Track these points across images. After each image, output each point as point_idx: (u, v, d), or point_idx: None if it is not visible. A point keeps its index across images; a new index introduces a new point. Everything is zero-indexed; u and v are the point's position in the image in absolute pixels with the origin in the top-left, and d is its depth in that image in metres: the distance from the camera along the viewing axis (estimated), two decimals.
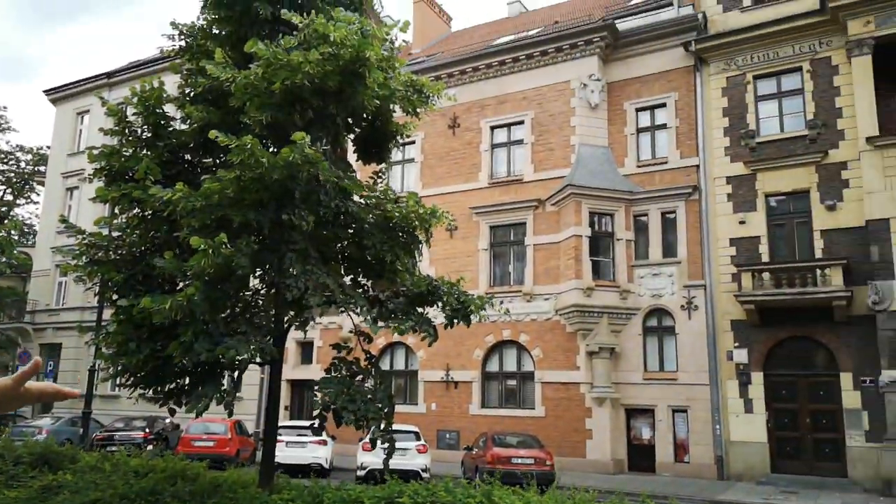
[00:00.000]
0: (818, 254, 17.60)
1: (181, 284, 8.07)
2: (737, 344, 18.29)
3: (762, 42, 19.24)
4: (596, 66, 21.34)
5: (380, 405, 8.43)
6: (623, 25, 21.51)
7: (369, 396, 8.31)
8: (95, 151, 8.68)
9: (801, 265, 17.33)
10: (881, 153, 16.68)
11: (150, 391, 8.72)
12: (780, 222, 18.61)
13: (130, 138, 8.98)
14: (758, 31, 19.19)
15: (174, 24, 9.42)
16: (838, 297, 16.55)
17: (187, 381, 8.60)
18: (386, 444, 8.46)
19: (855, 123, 17.42)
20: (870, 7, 17.25)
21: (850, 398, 16.81)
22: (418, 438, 17.06)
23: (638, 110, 21.12)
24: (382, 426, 8.45)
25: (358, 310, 8.28)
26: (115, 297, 8.51)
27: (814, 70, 18.60)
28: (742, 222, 18.76)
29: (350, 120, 9.07)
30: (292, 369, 24.29)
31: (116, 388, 25.95)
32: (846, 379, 16.91)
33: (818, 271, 16.96)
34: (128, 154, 8.76)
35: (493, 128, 23.02)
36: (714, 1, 20.41)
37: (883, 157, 16.65)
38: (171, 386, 8.63)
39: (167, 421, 21.32)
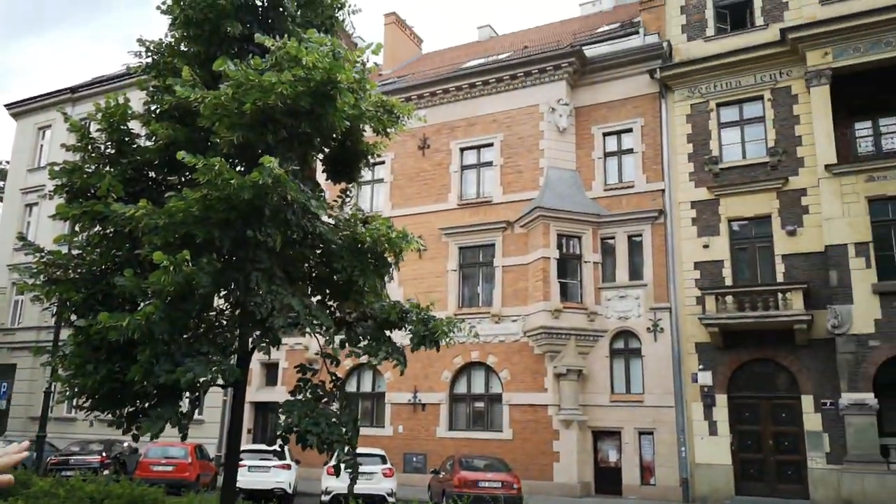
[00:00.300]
0: (779, 278, 17.96)
1: (142, 304, 7.87)
2: (701, 366, 18.50)
3: (725, 71, 19.74)
4: (564, 90, 21.65)
5: (344, 429, 8.30)
6: (590, 52, 21.90)
7: (334, 419, 8.17)
8: (57, 167, 8.49)
9: (763, 289, 17.66)
10: (839, 180, 17.16)
11: (108, 414, 8.46)
12: (743, 246, 18.98)
13: (93, 155, 8.80)
14: (720, 60, 19.70)
15: (141, 41, 9.32)
16: (799, 320, 16.88)
17: (146, 404, 8.36)
18: (350, 469, 8.32)
19: (814, 151, 17.91)
20: (827, 39, 17.84)
21: (811, 421, 17.08)
22: (384, 462, 16.83)
23: (605, 135, 21.45)
24: (347, 450, 8.31)
25: (323, 332, 8.17)
26: (73, 317, 8.28)
27: (774, 99, 19.13)
28: (706, 246, 19.08)
29: (320, 139, 9.03)
30: (256, 391, 23.86)
31: (73, 411, 25.21)
32: (807, 401, 17.20)
33: (779, 295, 17.30)
34: (90, 171, 8.58)
35: (462, 149, 23.15)
36: (678, 30, 20.92)
37: (841, 185, 17.12)
38: (130, 409, 8.37)
39: (125, 445, 20.72)
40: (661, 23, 21.48)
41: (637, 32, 21.88)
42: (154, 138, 8.69)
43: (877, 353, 16.04)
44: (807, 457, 17.00)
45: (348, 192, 10.00)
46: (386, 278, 9.23)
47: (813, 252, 17.64)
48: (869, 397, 15.90)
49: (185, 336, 7.82)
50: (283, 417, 8.07)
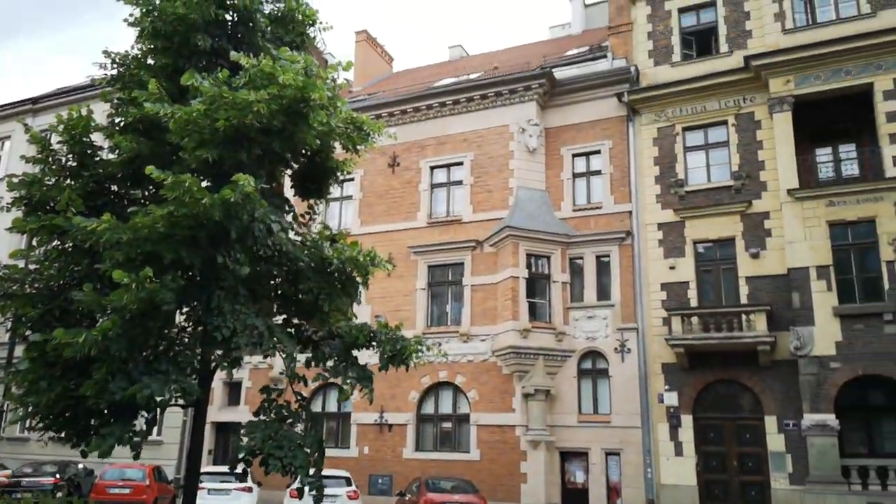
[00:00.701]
0: (743, 299, 18.23)
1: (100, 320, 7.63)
2: (667, 387, 18.63)
3: (690, 96, 20.13)
4: (534, 111, 21.85)
5: (308, 451, 8.14)
6: (560, 74, 22.17)
7: (298, 442, 8.00)
8: (15, 179, 8.26)
9: (728, 310, 17.89)
10: (801, 205, 17.54)
11: (62, 433, 8.17)
12: (708, 268, 19.24)
13: (54, 167, 8.59)
14: (686, 85, 20.08)
15: (107, 53, 9.16)
16: (762, 341, 17.12)
17: (99, 421, 8.09)
18: (315, 491, 8.15)
19: (776, 176, 18.30)
20: (790, 67, 18.32)
21: (775, 441, 17.28)
22: (349, 484, 16.57)
23: (574, 156, 21.66)
24: (311, 473, 8.13)
25: (285, 354, 8.03)
26: (28, 332, 8.01)
27: (738, 124, 19.54)
28: (672, 267, 19.30)
29: (290, 156, 8.94)
30: (218, 411, 23.33)
31: (25, 431, 24.37)
32: (770, 422, 17.40)
33: (743, 317, 17.54)
34: (50, 183, 8.37)
35: (432, 168, 23.16)
36: (646, 55, 21.31)
37: (802, 209, 17.50)
38: (82, 427, 8.10)
39: (80, 466, 20.06)
40: (629, 47, 21.86)
41: (605, 56, 22.23)
42: (117, 151, 8.51)
43: (838, 375, 16.32)
44: (770, 477, 17.16)
45: (315, 209, 9.90)
46: (355, 299, 9.12)
47: (776, 274, 17.95)
48: (830, 418, 16.14)
49: (143, 353, 7.60)
50: (245, 440, 7.88)
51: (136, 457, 7.82)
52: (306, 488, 8.20)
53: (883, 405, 17.41)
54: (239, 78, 7.58)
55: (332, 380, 9.06)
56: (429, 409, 21.43)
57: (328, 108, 8.12)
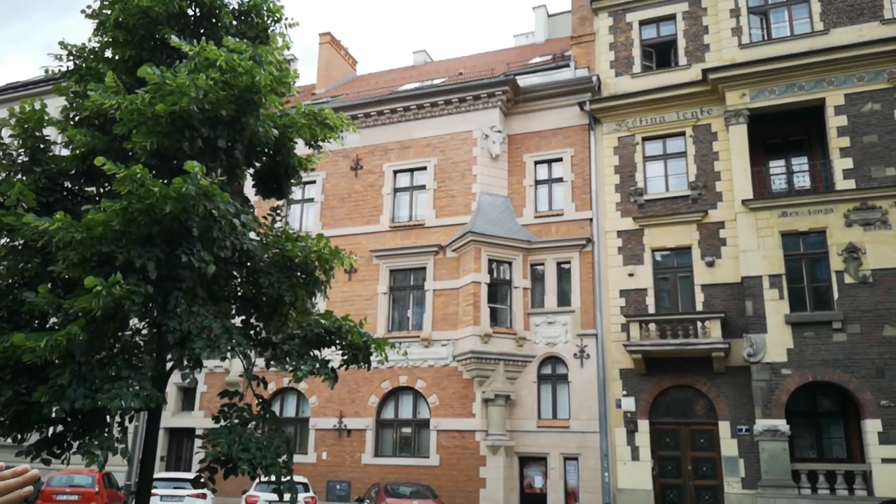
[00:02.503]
0: (699, 307, 18.60)
1: (52, 321, 7.38)
2: (625, 392, 18.87)
3: (650, 107, 20.51)
4: (498, 118, 21.99)
5: (277, 451, 8.03)
6: (523, 82, 22.36)
7: (265, 443, 7.87)
8: None
9: (684, 317, 18.23)
10: (755, 215, 18.00)
11: (10, 440, 7.84)
12: (665, 276, 19.59)
13: (4, 162, 8.28)
14: (646, 96, 20.46)
15: (63, 44, 8.88)
16: (717, 348, 17.49)
17: (59, 429, 7.81)
18: (289, 492, 8.05)
19: (732, 186, 18.75)
20: (745, 81, 18.82)
21: (728, 446, 17.64)
22: (307, 490, 16.34)
23: (536, 163, 21.85)
24: (285, 475, 8.03)
25: (242, 355, 7.87)
26: None
27: (696, 135, 19.98)
28: (631, 275, 19.59)
29: (246, 152, 8.78)
30: (172, 416, 22.79)
31: None
32: (724, 427, 17.77)
33: (699, 323, 17.90)
34: (0, 178, 8.05)
35: (395, 172, 23.10)
36: (607, 66, 21.65)
37: (756, 219, 17.96)
38: (40, 435, 7.81)
39: None
40: (591, 58, 22.18)
41: (568, 65, 22.50)
42: (71, 146, 8.24)
43: (789, 381, 16.76)
44: (723, 482, 17.52)
45: (279, 211, 9.75)
46: (316, 297, 9.01)
47: (730, 283, 18.37)
48: (781, 423, 16.56)
49: (97, 357, 7.36)
50: (210, 447, 7.68)
51: (102, 467, 7.58)
52: (285, 496, 8.10)
53: (831, 411, 17.97)
54: (184, 66, 7.43)
55: (288, 381, 8.91)
56: (389, 414, 21.30)
57: (276, 88, 7.99)
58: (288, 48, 8.36)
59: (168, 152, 7.61)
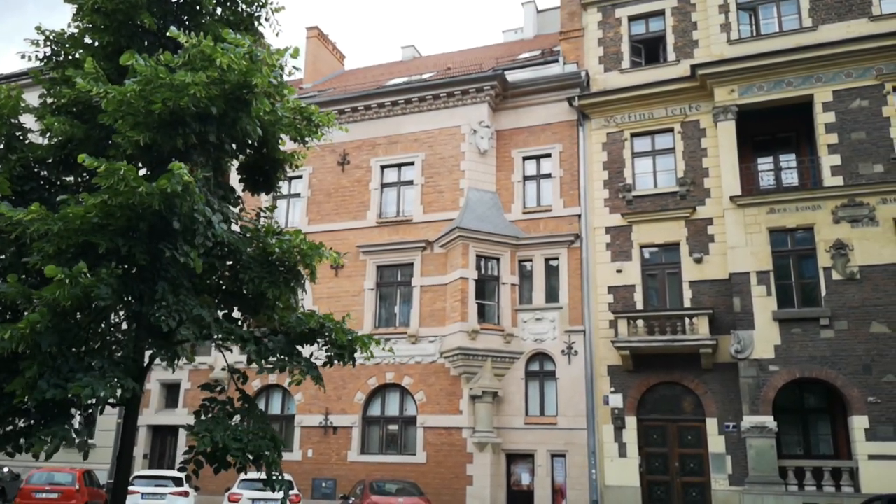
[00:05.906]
0: (687, 303, 18.56)
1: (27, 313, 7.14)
2: (612, 389, 18.81)
3: (638, 102, 20.44)
4: (486, 113, 21.84)
5: (274, 440, 7.90)
6: (512, 77, 22.22)
7: (260, 434, 7.73)
8: None
9: (672, 314, 18.19)
10: (743, 211, 17.98)
11: None
12: (653, 272, 19.54)
13: None
14: (634, 92, 20.38)
15: (40, 29, 8.62)
16: (704, 345, 17.46)
17: (30, 422, 7.59)
18: (280, 487, 7.92)
19: (720, 183, 18.72)
20: (734, 77, 18.79)
21: (715, 443, 17.62)
22: (291, 488, 16.09)
23: (525, 159, 21.73)
24: (276, 471, 7.89)
25: (235, 346, 7.70)
26: None
27: (684, 131, 19.93)
28: (619, 271, 19.52)
29: (235, 146, 8.59)
30: (155, 413, 22.48)
31: None
32: (711, 424, 17.74)
33: (687, 320, 17.86)
34: None
35: (383, 167, 22.90)
36: (596, 61, 21.56)
37: (744, 215, 17.94)
38: (9, 428, 7.58)
39: (5, 470, 19.03)
40: (580, 53, 22.09)
41: (557, 61, 22.40)
42: (49, 134, 8.00)
43: (776, 378, 16.76)
44: (711, 478, 17.49)
45: (267, 210, 9.54)
46: (300, 294, 8.83)
47: (718, 279, 18.35)
48: (769, 420, 16.55)
49: (73, 349, 7.15)
50: (198, 437, 7.47)
51: (86, 456, 7.41)
52: (280, 492, 7.97)
53: (818, 408, 18.01)
54: (178, 58, 7.20)
55: (273, 378, 8.73)
56: (375, 411, 21.12)
57: (273, 95, 7.82)
58: (295, 57, 8.08)
59: (161, 148, 7.41)
